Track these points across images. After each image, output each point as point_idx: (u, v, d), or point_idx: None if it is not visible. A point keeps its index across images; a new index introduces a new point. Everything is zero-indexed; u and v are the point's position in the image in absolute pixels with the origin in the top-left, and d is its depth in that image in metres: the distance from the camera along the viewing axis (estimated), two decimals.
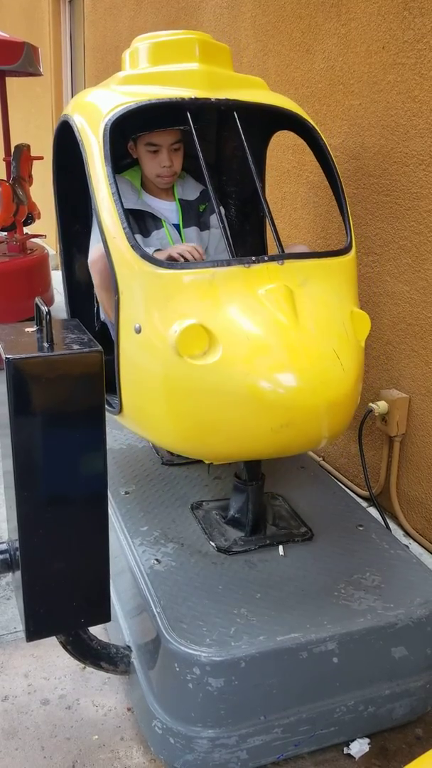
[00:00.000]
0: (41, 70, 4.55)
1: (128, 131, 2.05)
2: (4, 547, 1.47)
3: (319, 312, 1.60)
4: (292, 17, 2.70)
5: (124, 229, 1.63)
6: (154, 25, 4.10)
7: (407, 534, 2.36)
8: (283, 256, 1.64)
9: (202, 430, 1.60)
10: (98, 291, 2.06)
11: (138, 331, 1.62)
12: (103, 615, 1.45)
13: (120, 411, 1.79)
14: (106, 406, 1.88)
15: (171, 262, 1.61)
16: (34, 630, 1.39)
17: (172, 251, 1.88)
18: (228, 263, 1.59)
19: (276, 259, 1.62)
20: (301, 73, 2.69)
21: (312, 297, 1.62)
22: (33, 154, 4.76)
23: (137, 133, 2.04)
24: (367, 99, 2.34)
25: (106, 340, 2.12)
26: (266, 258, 1.61)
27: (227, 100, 1.82)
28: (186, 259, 1.86)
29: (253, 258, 1.60)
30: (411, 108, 2.15)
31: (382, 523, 2.18)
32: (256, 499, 1.88)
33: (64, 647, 1.54)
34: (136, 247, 1.61)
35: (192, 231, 2.17)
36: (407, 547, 2.10)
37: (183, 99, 1.78)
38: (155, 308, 1.59)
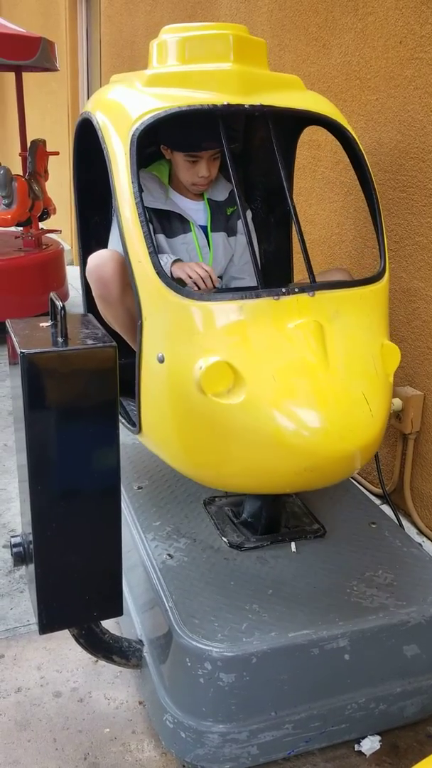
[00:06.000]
0: (57, 65, 4.56)
1: (161, 133, 2.01)
2: (18, 540, 1.48)
3: (349, 349, 1.55)
4: (309, 11, 2.69)
5: (150, 254, 1.57)
6: (171, 20, 4.09)
7: (420, 532, 2.35)
8: (314, 287, 1.57)
9: (219, 464, 1.58)
10: (97, 302, 1.97)
11: (161, 360, 1.57)
12: (116, 609, 1.46)
13: (140, 431, 1.76)
14: (127, 425, 1.87)
15: (199, 293, 1.56)
16: (47, 623, 1.40)
17: (189, 270, 1.85)
18: (257, 295, 1.52)
19: (307, 291, 1.56)
20: (318, 68, 2.67)
21: (343, 332, 1.57)
22: (49, 149, 4.76)
23: (175, 149, 2.01)
24: (384, 94, 2.33)
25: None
26: (296, 289, 1.55)
27: (261, 107, 1.73)
28: (198, 287, 1.83)
29: (283, 289, 1.54)
30: (428, 103, 2.13)
31: (395, 520, 2.17)
32: (272, 509, 1.86)
33: (77, 640, 1.55)
34: (162, 274, 1.55)
35: (219, 236, 2.13)
36: (420, 545, 2.09)
37: (215, 105, 1.69)
38: (179, 340, 1.54)
